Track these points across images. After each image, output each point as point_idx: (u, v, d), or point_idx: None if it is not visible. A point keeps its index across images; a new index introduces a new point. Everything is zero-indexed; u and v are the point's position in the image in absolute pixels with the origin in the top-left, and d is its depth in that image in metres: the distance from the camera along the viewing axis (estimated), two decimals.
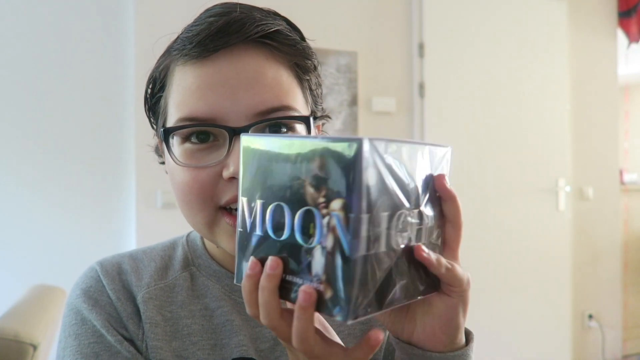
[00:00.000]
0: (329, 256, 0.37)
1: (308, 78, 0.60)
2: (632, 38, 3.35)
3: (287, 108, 0.55)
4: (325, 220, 0.37)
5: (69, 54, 2.27)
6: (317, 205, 0.38)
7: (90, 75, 2.30)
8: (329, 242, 0.37)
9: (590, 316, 3.22)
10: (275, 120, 0.55)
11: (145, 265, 0.63)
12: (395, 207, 0.39)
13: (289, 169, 0.40)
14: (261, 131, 0.55)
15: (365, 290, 0.37)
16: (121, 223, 2.30)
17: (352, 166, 0.36)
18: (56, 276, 1.87)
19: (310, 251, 0.39)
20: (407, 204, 0.40)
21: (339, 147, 0.37)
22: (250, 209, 0.43)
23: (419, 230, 0.43)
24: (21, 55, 2.22)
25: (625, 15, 3.34)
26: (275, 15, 0.59)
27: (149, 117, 0.63)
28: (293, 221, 0.39)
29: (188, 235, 0.68)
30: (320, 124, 0.66)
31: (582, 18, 3.22)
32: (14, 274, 2.14)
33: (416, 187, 0.42)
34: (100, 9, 2.31)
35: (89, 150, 2.28)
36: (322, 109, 0.65)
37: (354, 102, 2.61)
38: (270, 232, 0.41)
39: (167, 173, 0.62)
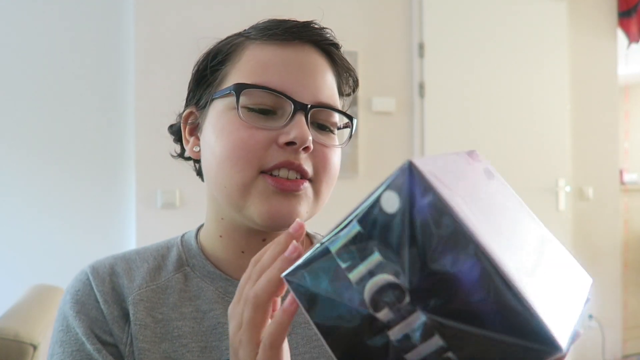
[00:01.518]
0: None
1: (344, 99, 0.68)
2: (632, 38, 3.35)
3: (337, 107, 0.63)
4: None
5: (69, 54, 2.27)
6: None
7: (90, 75, 2.30)
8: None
9: (590, 316, 3.22)
10: (335, 110, 0.61)
11: (138, 266, 0.63)
12: None
13: None
14: (312, 119, 0.59)
15: None
16: (121, 223, 2.30)
17: None
18: (56, 276, 1.87)
19: None
20: None
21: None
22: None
23: None
24: (21, 56, 2.22)
25: (625, 15, 3.34)
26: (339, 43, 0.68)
27: (192, 88, 0.66)
28: None
29: (183, 236, 0.68)
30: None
31: (582, 18, 3.22)
32: (14, 274, 2.14)
33: None
34: (100, 9, 2.31)
35: (89, 150, 2.28)
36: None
37: (354, 102, 2.61)
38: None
39: (172, 155, 0.66)
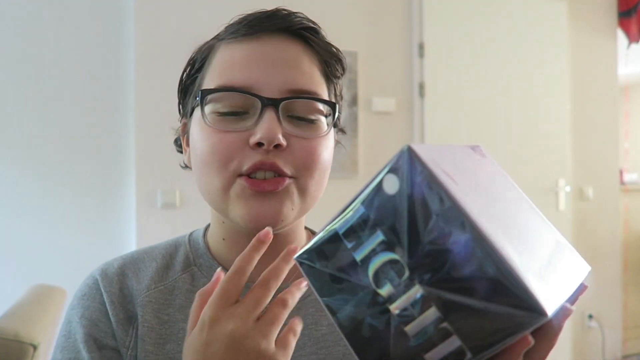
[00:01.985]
0: None
1: (335, 82, 0.63)
2: (632, 38, 3.35)
3: (317, 95, 0.59)
4: None
5: (69, 55, 2.27)
6: None
7: (90, 76, 2.30)
8: None
9: (590, 316, 3.22)
10: (305, 99, 0.57)
11: (147, 265, 0.63)
12: None
13: None
14: (288, 114, 0.57)
15: None
16: (121, 223, 2.30)
17: None
18: (56, 276, 1.87)
19: None
20: None
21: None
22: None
23: None
24: (21, 56, 2.22)
25: (625, 15, 3.34)
26: (314, 22, 0.64)
27: (179, 100, 0.65)
28: None
29: (190, 234, 0.68)
30: (337, 136, 0.67)
31: (582, 18, 3.22)
32: (14, 274, 2.14)
33: None
34: (101, 10, 2.31)
35: (89, 151, 2.28)
36: (340, 120, 0.66)
37: (354, 102, 2.61)
38: None
39: (179, 151, 0.64)
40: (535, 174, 2.99)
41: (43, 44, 2.25)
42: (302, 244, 0.65)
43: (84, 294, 0.61)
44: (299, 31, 0.60)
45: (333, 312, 0.38)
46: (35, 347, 1.11)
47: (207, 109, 0.58)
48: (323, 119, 0.59)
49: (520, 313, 0.31)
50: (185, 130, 0.65)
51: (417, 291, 0.34)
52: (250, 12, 0.61)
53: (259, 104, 0.56)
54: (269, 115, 0.55)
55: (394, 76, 2.74)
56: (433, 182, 0.33)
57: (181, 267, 0.63)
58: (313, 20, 0.63)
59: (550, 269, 0.36)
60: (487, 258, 0.31)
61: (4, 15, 2.21)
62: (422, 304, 0.33)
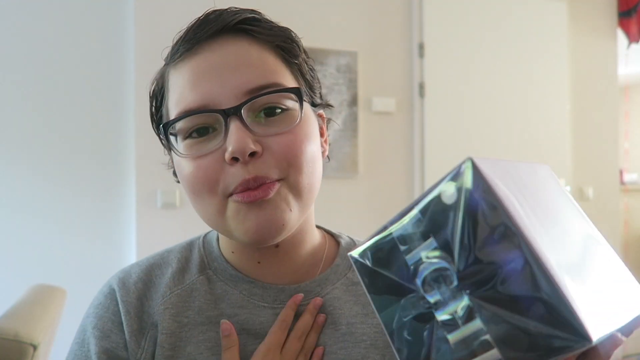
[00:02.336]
0: None
1: (296, 62, 0.59)
2: (632, 38, 3.35)
3: (276, 85, 0.55)
4: None
5: (69, 55, 2.27)
6: None
7: (90, 76, 2.30)
8: None
9: None
10: (265, 95, 0.54)
11: (163, 272, 0.63)
12: None
13: None
14: (256, 113, 0.54)
15: None
16: (121, 223, 2.30)
17: None
18: (56, 276, 1.87)
19: None
20: None
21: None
22: None
23: None
24: (21, 57, 2.22)
25: (625, 15, 3.34)
26: (256, 10, 0.60)
27: (158, 135, 0.62)
28: None
29: (205, 236, 0.67)
30: (322, 113, 0.64)
31: (582, 18, 3.22)
32: (14, 274, 2.14)
33: None
34: (101, 10, 2.31)
35: (89, 151, 2.29)
36: (321, 96, 0.64)
37: (354, 102, 2.61)
38: None
39: (177, 181, 0.63)
40: None
41: (43, 44, 2.25)
42: (316, 244, 0.65)
43: (100, 302, 0.61)
44: (237, 26, 0.57)
45: (379, 310, 0.39)
46: (35, 347, 1.11)
47: (179, 138, 0.56)
48: (295, 106, 0.56)
49: (564, 335, 0.31)
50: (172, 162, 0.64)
51: (464, 301, 0.34)
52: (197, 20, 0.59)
53: (221, 118, 0.54)
54: (234, 126, 0.53)
55: (394, 76, 2.74)
56: (491, 196, 0.34)
57: (197, 270, 0.63)
58: (252, 8, 0.60)
59: (604, 296, 0.36)
60: (539, 278, 0.32)
61: (4, 15, 2.21)
62: (467, 314, 0.34)
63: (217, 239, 0.66)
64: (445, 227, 0.35)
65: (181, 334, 0.59)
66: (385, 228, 0.39)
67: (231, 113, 0.53)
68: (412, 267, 0.37)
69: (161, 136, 0.60)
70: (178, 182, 0.66)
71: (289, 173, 0.55)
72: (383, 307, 0.39)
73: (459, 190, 0.35)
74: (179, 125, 0.55)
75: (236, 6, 0.60)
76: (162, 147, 0.64)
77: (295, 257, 0.63)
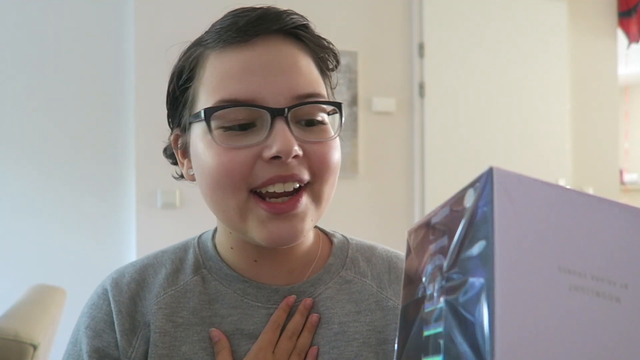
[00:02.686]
0: None
1: (330, 75, 0.62)
2: (632, 38, 3.35)
3: (320, 96, 0.57)
4: None
5: (69, 55, 2.27)
6: None
7: (90, 76, 2.30)
8: None
9: None
10: (313, 103, 0.56)
11: (156, 272, 0.63)
12: None
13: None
14: (296, 120, 0.56)
15: None
16: (121, 223, 2.30)
17: None
18: (56, 276, 1.87)
19: None
20: None
21: None
22: None
23: None
24: (21, 57, 2.22)
25: (625, 15, 3.34)
26: (303, 16, 0.62)
27: (169, 112, 0.63)
28: None
29: (199, 237, 0.67)
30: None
31: (582, 18, 3.22)
32: (14, 274, 2.14)
33: None
34: (101, 10, 2.31)
35: (89, 151, 2.29)
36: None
37: (354, 102, 2.61)
38: None
39: (176, 176, 0.63)
40: (535, 174, 2.94)
41: (43, 44, 2.25)
42: (310, 243, 0.66)
43: (93, 302, 0.62)
44: (292, 30, 0.57)
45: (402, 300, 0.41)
46: (35, 347, 1.11)
47: (212, 125, 0.55)
48: (328, 118, 0.58)
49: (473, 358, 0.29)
50: (178, 142, 0.63)
51: (440, 300, 0.35)
52: (235, 9, 0.58)
53: (267, 115, 0.54)
54: (281, 127, 0.53)
55: (394, 76, 2.74)
56: (489, 213, 0.32)
57: (191, 270, 0.63)
58: (302, 14, 0.61)
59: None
60: (481, 304, 0.30)
61: (3, 15, 2.21)
62: (438, 314, 0.34)
63: (212, 239, 0.66)
64: (454, 227, 0.36)
65: (176, 333, 0.59)
66: (435, 213, 0.39)
67: (279, 113, 0.54)
68: (428, 257, 0.38)
69: (180, 120, 0.60)
70: (173, 163, 0.67)
71: (316, 180, 0.56)
72: (403, 299, 0.40)
73: (474, 195, 0.35)
74: (218, 112, 0.55)
75: (274, 7, 0.59)
76: (167, 141, 0.64)
77: (292, 257, 0.63)
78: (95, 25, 2.31)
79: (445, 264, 0.35)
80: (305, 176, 0.55)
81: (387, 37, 2.73)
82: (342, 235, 0.70)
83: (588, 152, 3.23)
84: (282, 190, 0.55)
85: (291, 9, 0.59)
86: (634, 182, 4.72)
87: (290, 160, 0.53)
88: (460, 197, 0.36)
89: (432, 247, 0.38)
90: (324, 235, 0.70)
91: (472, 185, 0.36)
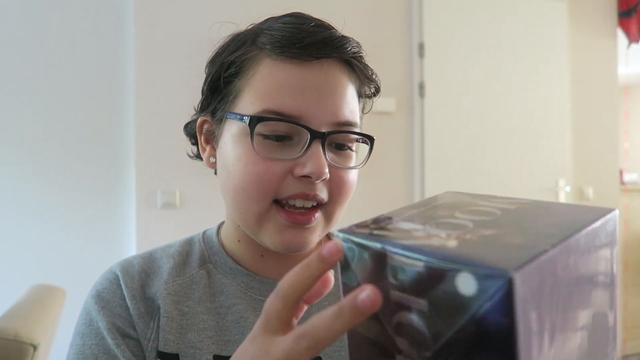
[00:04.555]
0: None
1: (363, 107, 0.66)
2: (632, 38, 3.35)
3: (355, 125, 0.61)
4: None
5: (69, 54, 2.27)
6: None
7: (90, 75, 2.30)
8: None
9: None
10: (351, 133, 0.59)
11: (164, 262, 0.65)
12: None
13: None
14: (329, 143, 0.58)
15: None
16: (121, 223, 2.30)
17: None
18: (56, 276, 1.88)
19: None
20: None
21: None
22: None
23: None
24: (21, 57, 2.22)
25: (625, 15, 3.34)
26: (358, 43, 0.65)
27: (205, 96, 0.64)
28: None
29: (204, 232, 0.69)
30: None
31: (582, 18, 3.22)
32: (14, 274, 2.14)
33: None
34: (100, 9, 2.31)
35: (89, 151, 2.28)
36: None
37: None
38: None
39: (189, 156, 0.65)
40: (535, 174, 2.99)
41: (43, 44, 2.25)
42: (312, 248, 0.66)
43: (104, 287, 0.62)
44: (349, 59, 0.60)
45: (345, 293, 0.36)
46: (35, 347, 1.11)
47: (255, 130, 0.57)
48: (356, 147, 0.62)
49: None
50: (204, 127, 0.65)
51: None
52: (296, 16, 0.60)
53: (307, 134, 0.56)
54: (317, 149, 0.56)
55: (394, 76, 2.74)
56: (508, 324, 0.27)
57: (197, 264, 0.65)
58: (357, 40, 0.63)
59: None
60: None
61: (3, 16, 2.21)
62: None
63: (217, 234, 0.68)
64: (444, 309, 0.29)
65: (182, 321, 0.61)
66: (383, 246, 0.32)
67: (319, 136, 0.56)
68: (392, 291, 0.32)
69: (221, 104, 0.61)
70: (193, 142, 0.69)
71: (332, 202, 0.60)
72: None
73: (480, 293, 0.28)
74: (270, 121, 0.56)
75: (336, 30, 0.62)
76: (193, 121, 0.65)
77: (296, 255, 0.65)
78: (95, 25, 2.31)
79: (435, 347, 0.30)
80: (325, 197, 0.59)
81: (387, 37, 2.73)
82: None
83: (588, 152, 3.23)
84: (301, 205, 0.58)
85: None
86: (634, 182, 4.72)
87: (318, 181, 0.57)
88: (438, 267, 0.29)
89: (399, 293, 0.31)
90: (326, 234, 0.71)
91: (457, 264, 0.29)
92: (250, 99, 0.58)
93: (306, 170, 0.55)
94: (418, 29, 2.75)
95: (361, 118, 0.66)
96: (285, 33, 0.58)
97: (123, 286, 0.61)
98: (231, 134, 0.59)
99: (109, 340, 0.58)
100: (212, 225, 0.71)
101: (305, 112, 0.56)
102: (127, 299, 0.60)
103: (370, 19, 2.69)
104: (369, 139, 0.62)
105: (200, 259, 0.65)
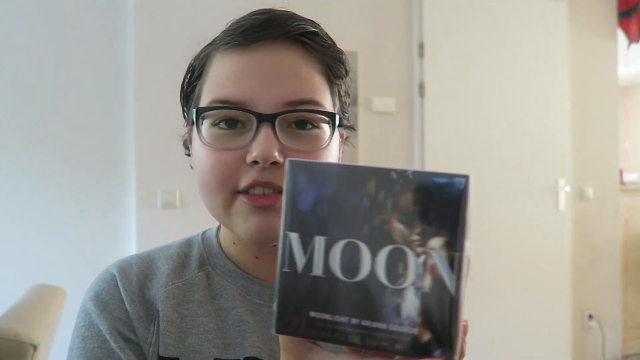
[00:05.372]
0: (427, 297, 0.35)
1: (338, 83, 0.62)
2: (632, 38, 3.35)
3: (316, 103, 0.57)
4: (421, 259, 0.35)
5: (69, 54, 2.27)
6: (408, 244, 0.36)
7: (90, 75, 2.30)
8: (427, 283, 0.35)
9: (590, 316, 3.22)
10: (302, 112, 0.56)
11: (163, 263, 0.64)
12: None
13: (366, 202, 0.37)
14: (287, 124, 0.56)
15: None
16: (121, 223, 2.30)
17: (458, 203, 0.35)
18: (56, 276, 1.87)
19: (399, 293, 0.36)
20: None
21: (442, 182, 0.35)
22: (305, 246, 0.38)
23: None
24: (21, 56, 2.22)
25: (625, 15, 3.34)
26: (314, 22, 0.62)
27: (182, 106, 0.65)
28: (374, 260, 0.36)
29: (204, 233, 0.68)
30: (344, 133, 0.67)
31: (582, 18, 3.22)
32: (14, 274, 2.14)
33: None
34: (100, 9, 2.31)
35: (89, 151, 2.28)
36: (348, 118, 0.66)
37: (354, 102, 2.61)
38: (337, 273, 0.37)
39: (191, 167, 0.64)
40: (535, 174, 2.99)
41: (42, 44, 2.25)
42: None
43: (102, 289, 0.60)
44: (298, 36, 0.58)
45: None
46: (35, 347, 1.11)
47: (205, 123, 0.57)
48: (325, 126, 0.58)
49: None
50: (190, 136, 0.65)
51: None
52: (246, 13, 0.60)
53: (254, 119, 0.55)
54: (265, 132, 0.54)
55: (394, 76, 2.74)
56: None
57: (197, 266, 0.64)
58: (313, 19, 0.61)
59: None
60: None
61: (3, 16, 2.21)
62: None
63: (216, 235, 0.67)
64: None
65: (182, 324, 0.60)
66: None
67: (265, 119, 0.54)
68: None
69: (188, 115, 0.61)
70: (188, 154, 0.68)
71: None
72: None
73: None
74: (209, 112, 0.57)
75: (283, 10, 0.60)
76: (182, 136, 0.65)
77: None
78: (95, 25, 2.31)
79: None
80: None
81: (387, 37, 2.73)
82: None
83: (588, 152, 3.23)
84: (262, 193, 0.55)
85: (292, 10, 0.59)
86: (634, 182, 4.72)
87: (268, 166, 0.54)
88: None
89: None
90: None
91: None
92: (204, 96, 0.59)
93: (253, 155, 0.54)
94: (418, 29, 2.75)
95: (342, 101, 0.64)
96: (232, 26, 0.59)
97: (121, 289, 0.60)
98: (195, 134, 0.59)
99: (112, 344, 0.57)
100: (211, 225, 0.70)
101: (249, 96, 0.55)
102: (126, 303, 0.59)
103: (370, 19, 2.69)
104: (329, 117, 0.58)
105: (199, 261, 0.64)
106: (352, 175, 0.38)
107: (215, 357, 0.59)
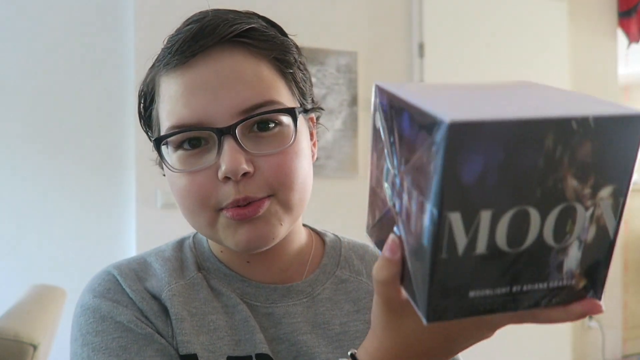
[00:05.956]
0: (589, 247, 0.34)
1: (291, 71, 0.59)
2: (632, 38, 3.35)
3: (271, 103, 0.55)
4: (589, 212, 0.33)
5: (69, 54, 2.27)
6: (580, 199, 0.32)
7: (89, 75, 2.30)
8: (591, 234, 0.33)
9: (590, 316, 3.22)
10: (260, 116, 0.54)
11: (160, 265, 0.62)
12: None
13: (541, 162, 0.31)
14: (249, 129, 0.55)
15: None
16: (121, 223, 2.30)
17: (633, 147, 0.32)
18: (56, 276, 1.88)
19: (563, 250, 0.34)
20: None
21: (620, 124, 0.31)
22: (467, 225, 0.31)
23: None
24: (21, 56, 2.22)
25: (625, 15, 3.34)
26: (252, 15, 0.60)
27: (145, 132, 0.64)
28: (543, 225, 0.32)
29: (194, 236, 0.67)
30: (314, 116, 0.65)
31: (582, 18, 3.22)
32: (14, 274, 2.14)
33: None
34: (100, 9, 2.31)
35: (89, 150, 2.28)
36: (313, 101, 0.64)
37: (354, 102, 2.61)
38: (503, 247, 0.32)
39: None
40: None
41: (42, 44, 2.24)
42: (303, 243, 0.66)
43: (107, 288, 0.58)
44: (234, 39, 0.55)
45: None
46: (35, 347, 1.11)
47: (170, 149, 0.57)
48: (288, 119, 0.56)
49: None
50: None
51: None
52: (184, 22, 0.58)
53: (215, 135, 0.54)
54: (228, 145, 0.53)
55: (394, 76, 2.74)
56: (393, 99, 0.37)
57: (194, 268, 0.63)
58: (251, 11, 0.59)
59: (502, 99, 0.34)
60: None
61: (2, 15, 2.21)
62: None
63: (207, 239, 0.66)
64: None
65: (192, 322, 0.58)
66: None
67: (225, 132, 0.53)
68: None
69: (152, 142, 0.60)
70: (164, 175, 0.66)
71: (279, 190, 0.56)
72: None
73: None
74: (171, 138, 0.56)
75: (234, 9, 0.59)
76: (155, 158, 0.63)
77: (284, 256, 0.63)
78: (95, 24, 2.31)
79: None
80: (264, 193, 0.55)
81: (387, 37, 2.73)
82: (333, 234, 0.71)
83: None
84: (245, 204, 0.54)
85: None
86: (634, 182, 4.71)
87: (241, 178, 0.53)
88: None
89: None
90: (316, 234, 0.70)
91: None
92: (162, 122, 0.58)
93: (222, 171, 0.53)
94: (418, 29, 2.75)
95: (301, 87, 0.61)
96: (166, 44, 0.57)
97: (127, 289, 0.58)
98: (162, 159, 0.59)
99: (138, 330, 0.55)
100: None
101: (202, 114, 0.54)
102: (135, 301, 0.57)
103: (370, 19, 2.69)
104: (289, 113, 0.56)
105: (194, 264, 0.63)
106: (528, 132, 0.30)
107: (228, 354, 0.58)
